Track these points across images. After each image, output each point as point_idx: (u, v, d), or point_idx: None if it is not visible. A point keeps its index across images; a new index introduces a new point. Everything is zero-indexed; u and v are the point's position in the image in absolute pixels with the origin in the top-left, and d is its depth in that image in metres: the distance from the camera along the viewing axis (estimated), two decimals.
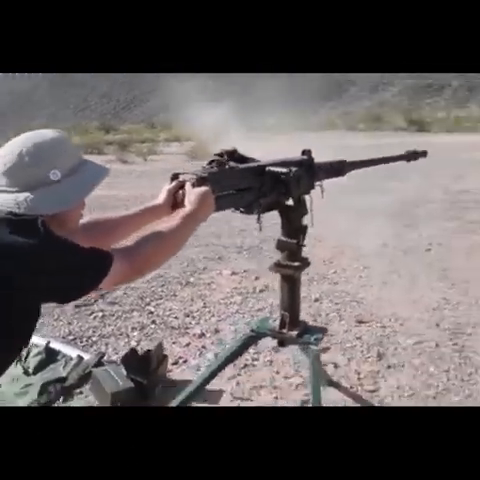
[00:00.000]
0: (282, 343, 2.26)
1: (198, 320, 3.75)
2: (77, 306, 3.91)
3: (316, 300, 4.09)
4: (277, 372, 2.99)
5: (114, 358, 3.13)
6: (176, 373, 2.99)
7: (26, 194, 1.22)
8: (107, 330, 3.57)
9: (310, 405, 2.59)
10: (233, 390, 2.79)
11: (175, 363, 3.09)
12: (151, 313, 3.87)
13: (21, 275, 1.17)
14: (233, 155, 1.81)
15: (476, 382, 2.86)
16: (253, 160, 1.91)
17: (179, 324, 3.67)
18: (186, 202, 1.54)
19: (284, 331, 2.16)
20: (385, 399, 2.71)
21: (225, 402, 2.68)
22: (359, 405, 2.66)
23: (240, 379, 2.90)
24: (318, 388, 2.05)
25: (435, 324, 3.66)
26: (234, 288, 4.39)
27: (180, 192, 1.63)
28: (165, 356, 2.92)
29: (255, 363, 3.07)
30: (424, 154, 2.87)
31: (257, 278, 4.64)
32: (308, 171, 2.02)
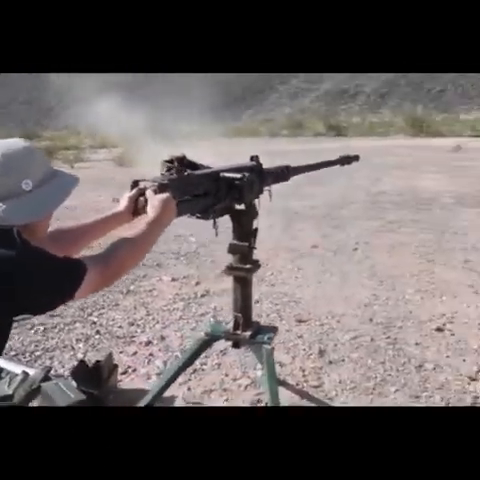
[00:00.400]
0: (237, 344, 2.31)
1: (143, 328, 3.72)
2: (15, 320, 3.76)
3: (256, 302, 4.17)
4: (226, 375, 3.03)
5: (61, 372, 3.05)
6: (126, 382, 2.96)
7: None
8: (51, 343, 3.47)
9: (263, 405, 2.67)
10: (185, 395, 2.80)
11: (124, 372, 3.06)
12: (94, 323, 3.80)
13: (3, 286, 1.15)
14: (182, 161, 1.83)
15: (410, 371, 3.05)
16: (202, 166, 1.94)
17: (124, 333, 3.63)
18: (149, 208, 1.56)
19: (238, 332, 2.21)
20: (329, 393, 2.83)
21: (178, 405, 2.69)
22: (314, 404, 2.75)
23: (191, 384, 2.92)
24: (275, 385, 2.11)
25: (368, 319, 3.84)
26: (176, 294, 4.39)
27: (141, 199, 1.65)
28: (115, 366, 2.88)
29: (204, 367, 3.10)
30: (356, 158, 3.02)
31: (198, 283, 4.66)
32: (258, 176, 2.09)
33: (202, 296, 4.35)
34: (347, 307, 4.09)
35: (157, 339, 3.53)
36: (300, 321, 3.81)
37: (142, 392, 2.70)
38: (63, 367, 3.14)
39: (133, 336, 3.59)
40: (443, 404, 2.69)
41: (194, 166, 1.89)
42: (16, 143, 1.29)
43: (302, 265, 5.32)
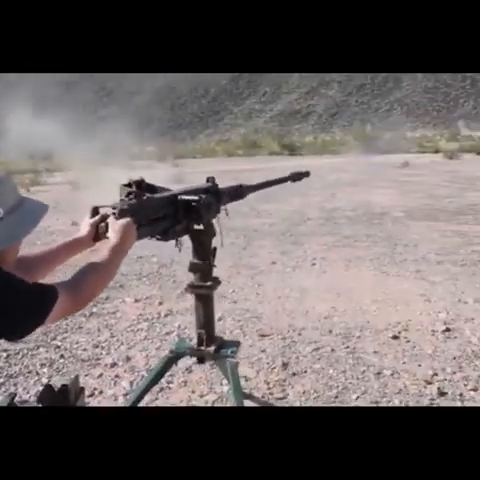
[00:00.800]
0: (201, 360, 2.34)
1: (108, 350, 3.69)
2: None
3: (219, 319, 4.20)
4: (192, 391, 3.05)
5: (26, 397, 2.99)
6: (94, 404, 2.93)
7: None
8: (14, 369, 3.39)
9: None
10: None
11: (91, 395, 3.02)
12: (58, 347, 3.74)
13: None
14: (141, 185, 1.85)
15: (369, 379, 3.14)
16: (161, 188, 1.99)
17: (89, 356, 3.59)
18: (110, 234, 1.59)
19: (202, 348, 2.25)
20: (294, 404, 2.88)
21: None
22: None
23: (158, 403, 2.92)
24: (240, 397, 2.15)
25: (328, 331, 3.93)
26: (139, 315, 4.37)
27: (102, 224, 1.67)
28: (82, 388, 2.84)
29: (171, 385, 3.10)
30: (307, 174, 3.10)
31: (160, 303, 4.66)
32: (215, 197, 2.15)
33: (166, 316, 4.34)
34: (307, 320, 4.17)
35: (122, 360, 3.50)
36: (263, 336, 3.87)
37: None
38: (28, 393, 3.08)
39: (98, 358, 3.55)
40: (402, 406, 2.79)
41: (152, 189, 1.93)
42: None
43: (262, 281, 5.39)
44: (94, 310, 4.48)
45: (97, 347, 3.74)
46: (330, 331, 3.93)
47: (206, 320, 2.25)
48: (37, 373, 3.34)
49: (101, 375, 3.30)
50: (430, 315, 4.18)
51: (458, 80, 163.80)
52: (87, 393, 2.96)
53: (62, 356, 3.59)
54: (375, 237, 7.61)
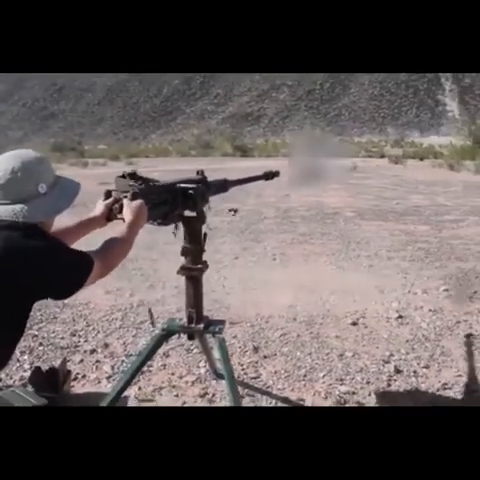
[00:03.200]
0: (191, 336, 2.53)
1: (85, 338, 3.79)
2: None
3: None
4: (172, 374, 3.21)
5: (11, 383, 3.07)
6: (78, 388, 3.05)
7: (21, 205, 1.39)
8: None
9: (209, 396, 2.89)
10: (137, 394, 2.95)
11: (74, 379, 3.13)
12: (36, 336, 3.80)
13: (36, 272, 1.34)
14: (134, 176, 1.99)
15: (333, 360, 3.40)
16: (152, 180, 2.15)
17: (68, 343, 3.69)
18: (126, 213, 1.77)
19: (192, 326, 2.43)
20: (267, 383, 3.10)
21: (131, 404, 2.84)
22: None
23: (141, 384, 3.06)
24: (229, 366, 2.34)
25: (293, 319, 4.18)
26: (112, 306, 4.48)
27: (116, 206, 1.84)
28: (69, 371, 2.97)
29: (151, 369, 3.25)
30: (277, 174, 3.32)
31: (131, 295, 4.78)
32: (206, 187, 2.35)
33: (138, 306, 4.47)
34: (273, 309, 4.41)
35: (101, 347, 3.62)
36: (233, 323, 4.07)
37: (97, 395, 2.83)
38: (11, 378, 3.15)
39: (77, 346, 3.66)
40: (364, 383, 3.06)
41: (145, 179, 2.09)
42: (28, 153, 1.48)
43: (227, 275, 5.58)
44: (67, 301, 4.55)
45: (74, 335, 3.83)
46: (295, 319, 4.18)
47: (196, 300, 2.43)
48: (18, 360, 3.40)
49: (82, 361, 3.40)
50: (384, 304, 4.51)
51: (402, 89, 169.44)
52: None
53: (41, 344, 3.67)
54: (329, 235, 7.96)
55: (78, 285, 1.48)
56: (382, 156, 43.21)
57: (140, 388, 3.02)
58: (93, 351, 3.55)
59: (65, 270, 1.43)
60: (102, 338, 3.79)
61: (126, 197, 1.81)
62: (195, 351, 3.50)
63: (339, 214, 10.17)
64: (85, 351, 3.56)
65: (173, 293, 4.77)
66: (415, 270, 5.73)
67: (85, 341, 3.74)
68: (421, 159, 38.42)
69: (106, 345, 3.66)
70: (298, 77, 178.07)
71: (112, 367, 3.30)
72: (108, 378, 3.15)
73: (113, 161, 38.94)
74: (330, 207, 11.24)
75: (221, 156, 48.28)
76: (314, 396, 2.94)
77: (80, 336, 3.83)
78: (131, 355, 3.45)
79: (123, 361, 3.38)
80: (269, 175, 3.21)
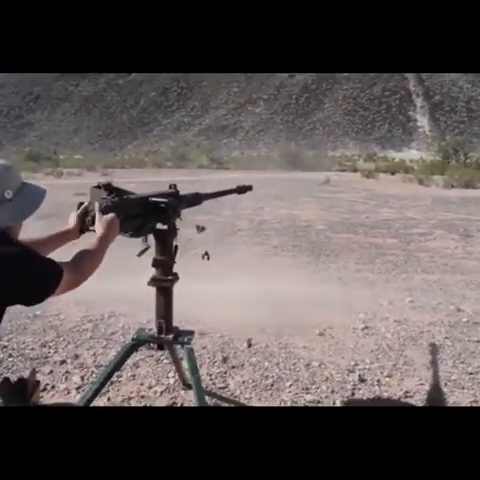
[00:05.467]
0: (161, 347, 2.57)
1: (55, 349, 3.78)
2: None
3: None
4: (141, 384, 3.24)
5: None
6: (47, 398, 3.05)
7: None
8: None
9: (178, 406, 2.92)
10: (105, 404, 2.96)
11: (43, 389, 3.13)
12: (5, 347, 3.78)
13: (3, 279, 1.36)
14: (109, 187, 2.03)
15: (300, 369, 3.47)
16: (126, 191, 2.19)
17: (37, 354, 3.67)
18: (97, 226, 1.81)
19: (162, 336, 2.47)
20: (235, 392, 3.15)
21: None
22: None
23: (110, 394, 3.08)
24: (197, 376, 2.38)
25: (262, 330, 4.24)
26: (83, 317, 4.47)
27: (88, 218, 1.88)
28: (38, 382, 2.94)
29: (120, 379, 3.27)
30: (250, 188, 3.39)
31: (103, 306, 4.77)
32: (178, 201, 2.41)
33: (109, 317, 4.48)
34: (243, 320, 4.46)
35: (71, 358, 3.62)
36: (202, 334, 4.11)
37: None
38: None
39: (47, 357, 3.64)
40: (329, 392, 3.14)
41: (119, 191, 2.14)
42: None
43: (198, 286, 5.61)
44: (37, 312, 4.53)
45: (44, 346, 3.82)
46: (263, 330, 4.24)
47: (166, 311, 2.48)
48: None
49: (51, 372, 3.40)
50: (351, 315, 4.61)
51: (375, 104, 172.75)
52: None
53: (10, 355, 3.65)
54: (301, 247, 8.08)
55: (46, 293, 1.51)
56: (355, 170, 43.95)
57: (109, 399, 3.04)
58: (63, 362, 3.55)
59: (33, 277, 1.46)
60: (72, 349, 3.78)
61: (98, 209, 1.86)
62: (165, 362, 3.53)
63: (311, 227, 10.32)
64: (55, 362, 3.55)
65: (145, 304, 4.78)
66: (382, 282, 5.87)
67: (55, 352, 3.73)
68: (392, 173, 39.15)
69: (76, 356, 3.65)
70: (274, 91, 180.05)
71: (82, 378, 3.31)
72: (77, 389, 3.16)
73: (89, 171, 38.62)
74: (302, 220, 11.39)
75: (197, 168, 48.39)
76: (280, 405, 3.00)
77: (50, 347, 3.82)
78: (101, 366, 3.46)
79: (93, 372, 3.38)
80: (242, 189, 3.28)
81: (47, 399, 3.04)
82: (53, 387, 3.19)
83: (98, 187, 2.01)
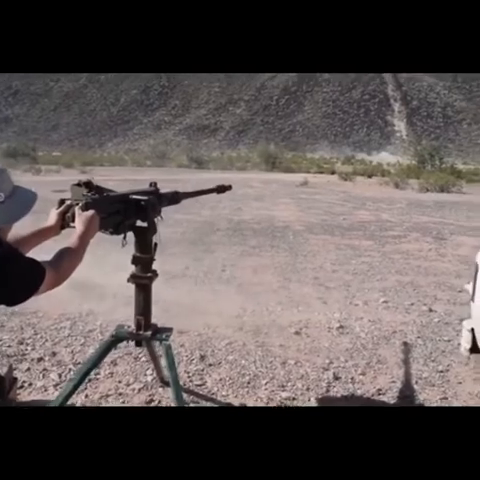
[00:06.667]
0: (139, 343, 2.58)
1: (33, 346, 3.76)
2: None
3: None
4: (119, 381, 3.24)
5: None
6: (24, 396, 3.03)
7: None
8: None
9: (155, 404, 2.94)
10: (83, 402, 2.96)
11: (20, 387, 3.11)
12: None
13: None
14: (90, 185, 2.04)
15: (276, 367, 3.52)
16: (107, 189, 2.20)
17: (14, 351, 3.64)
18: (77, 223, 1.82)
19: (140, 332, 2.49)
20: (212, 390, 3.18)
21: None
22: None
23: (87, 392, 3.08)
24: (175, 372, 2.41)
25: (239, 328, 4.28)
26: (61, 314, 4.45)
27: (68, 215, 1.89)
28: (15, 379, 2.93)
29: (98, 377, 3.27)
30: (230, 188, 3.42)
31: (81, 304, 4.75)
32: (158, 199, 2.42)
33: (87, 315, 4.46)
34: (220, 319, 4.50)
35: (49, 355, 3.60)
36: (181, 332, 4.13)
37: (43, 403, 2.82)
38: None
39: (24, 354, 3.62)
40: (304, 389, 3.19)
41: (99, 189, 2.15)
42: None
43: (177, 285, 5.64)
44: (16, 310, 4.48)
45: (22, 344, 3.79)
46: (241, 328, 4.28)
47: (145, 308, 2.50)
48: None
49: (29, 369, 3.38)
50: (326, 315, 4.68)
51: (354, 108, 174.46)
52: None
53: None
54: (278, 248, 8.14)
55: (30, 293, 1.52)
56: (333, 172, 44.32)
57: (87, 396, 3.04)
58: (40, 359, 3.53)
59: (18, 277, 1.47)
60: (50, 346, 3.77)
61: (78, 206, 1.87)
62: (143, 359, 3.54)
63: (289, 228, 10.40)
64: (32, 359, 3.53)
65: (123, 302, 4.78)
66: (357, 283, 5.96)
67: (32, 349, 3.70)
68: (369, 176, 39.65)
69: (54, 353, 3.64)
70: (255, 92, 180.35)
71: (59, 375, 3.30)
72: (55, 386, 3.15)
73: (67, 169, 38.20)
74: (281, 221, 11.47)
75: (177, 167, 48.24)
76: (256, 402, 3.05)
77: (27, 344, 3.79)
78: (79, 363, 3.46)
79: (70, 369, 3.38)
80: (221, 188, 3.31)
81: (24, 396, 3.03)
82: (30, 384, 3.18)
83: (79, 185, 2.02)
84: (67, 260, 1.68)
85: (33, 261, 1.54)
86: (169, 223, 10.10)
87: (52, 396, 3.00)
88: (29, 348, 3.72)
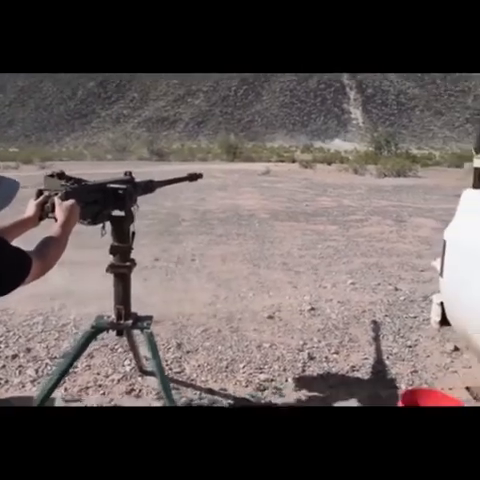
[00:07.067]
0: (120, 332, 2.57)
1: (6, 343, 3.67)
2: None
3: None
4: (98, 373, 3.21)
5: None
6: (1, 393, 2.96)
7: None
8: None
9: (136, 393, 2.93)
10: (63, 395, 2.92)
11: None
12: None
13: None
14: (63, 176, 2.00)
15: (252, 351, 3.56)
16: (80, 179, 2.16)
17: None
18: (58, 213, 1.79)
19: (121, 322, 2.47)
20: (191, 376, 3.19)
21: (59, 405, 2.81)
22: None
23: (66, 385, 3.04)
24: (159, 359, 2.41)
25: (213, 315, 4.30)
26: (32, 310, 4.35)
27: (47, 205, 1.85)
28: None
29: (76, 370, 3.23)
30: (201, 176, 3.43)
31: (53, 299, 4.66)
32: (133, 188, 2.40)
33: (59, 309, 4.39)
34: (194, 307, 4.50)
35: (23, 352, 3.52)
36: (156, 322, 4.09)
37: (24, 399, 2.77)
38: None
39: None
40: (281, 370, 3.25)
41: (76, 179, 2.11)
42: None
43: (148, 276, 5.60)
44: None
45: None
46: (215, 315, 4.30)
47: (124, 297, 2.48)
48: None
49: (4, 366, 3.30)
50: (297, 298, 4.75)
51: (311, 97, 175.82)
52: None
53: None
54: (245, 236, 8.19)
55: (17, 282, 1.49)
56: (293, 161, 44.70)
57: (66, 389, 2.99)
58: (15, 356, 3.45)
59: (4, 267, 1.43)
60: (24, 343, 3.69)
61: (58, 196, 1.83)
62: (120, 350, 3.52)
63: (254, 216, 10.45)
64: (6, 357, 3.44)
65: (95, 295, 4.72)
66: (325, 266, 6.07)
67: (6, 347, 3.62)
68: (329, 164, 40.21)
69: (28, 349, 3.56)
70: (213, 83, 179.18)
71: (36, 371, 3.24)
72: (32, 382, 3.09)
73: (26, 164, 37.12)
74: (245, 209, 11.51)
75: (138, 160, 47.55)
76: (235, 385, 3.08)
77: (0, 342, 3.70)
78: (55, 358, 3.41)
79: (47, 364, 3.32)
80: (193, 176, 3.32)
81: (1, 394, 2.96)
82: (7, 381, 3.10)
83: (52, 176, 1.99)
84: (52, 248, 1.65)
85: (19, 250, 1.50)
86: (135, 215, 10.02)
87: (30, 392, 2.96)
88: (2, 346, 3.63)
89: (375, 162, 32.02)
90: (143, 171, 22.97)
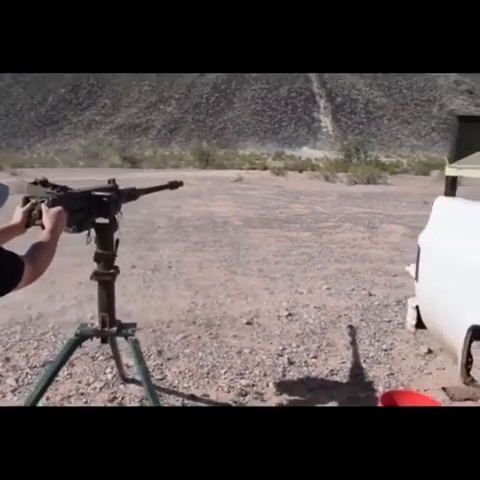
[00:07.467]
0: (104, 340, 2.56)
1: None
2: None
3: (91, 318, 4.32)
4: (79, 382, 3.19)
5: None
6: None
7: None
8: None
9: (119, 401, 2.92)
10: (44, 404, 2.89)
11: None
12: None
13: None
14: (46, 183, 2.00)
15: (233, 357, 3.59)
16: (66, 187, 2.16)
17: None
18: (46, 220, 1.79)
19: (106, 329, 2.47)
20: (173, 383, 3.20)
21: None
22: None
23: (48, 394, 3.00)
24: (144, 366, 2.41)
25: (192, 322, 4.31)
26: (10, 319, 4.28)
27: (34, 212, 1.85)
28: None
29: (57, 379, 3.19)
30: (181, 184, 3.45)
31: (29, 307, 4.60)
32: (118, 195, 2.41)
33: (37, 318, 4.33)
34: (172, 315, 4.51)
35: (2, 361, 3.47)
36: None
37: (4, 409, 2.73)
38: None
39: None
40: (262, 375, 3.29)
41: (56, 186, 2.10)
42: None
43: (125, 283, 5.56)
44: None
45: None
46: (194, 322, 4.31)
47: (108, 304, 2.48)
48: None
49: None
50: (274, 304, 4.81)
51: (282, 105, 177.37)
52: None
53: None
54: (221, 242, 8.22)
55: (9, 287, 1.48)
56: (265, 168, 44.93)
57: (48, 398, 2.96)
58: None
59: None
60: (2, 352, 3.63)
61: (45, 203, 1.84)
62: (100, 358, 3.50)
63: (228, 223, 10.49)
64: None
65: (72, 304, 4.68)
66: (300, 272, 6.15)
67: None
68: (300, 171, 40.57)
69: (7, 359, 3.51)
70: (185, 90, 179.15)
71: (16, 380, 3.19)
72: (13, 391, 3.05)
73: None
74: (220, 216, 11.55)
75: (110, 167, 47.04)
76: (218, 391, 3.10)
77: None
78: (35, 367, 3.37)
79: (27, 373, 3.28)
80: (174, 184, 3.34)
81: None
82: None
83: (35, 183, 1.99)
84: (43, 254, 1.66)
85: (12, 254, 1.50)
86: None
87: (11, 402, 2.92)
88: None
89: (345, 170, 32.51)
90: (115, 178, 22.77)
